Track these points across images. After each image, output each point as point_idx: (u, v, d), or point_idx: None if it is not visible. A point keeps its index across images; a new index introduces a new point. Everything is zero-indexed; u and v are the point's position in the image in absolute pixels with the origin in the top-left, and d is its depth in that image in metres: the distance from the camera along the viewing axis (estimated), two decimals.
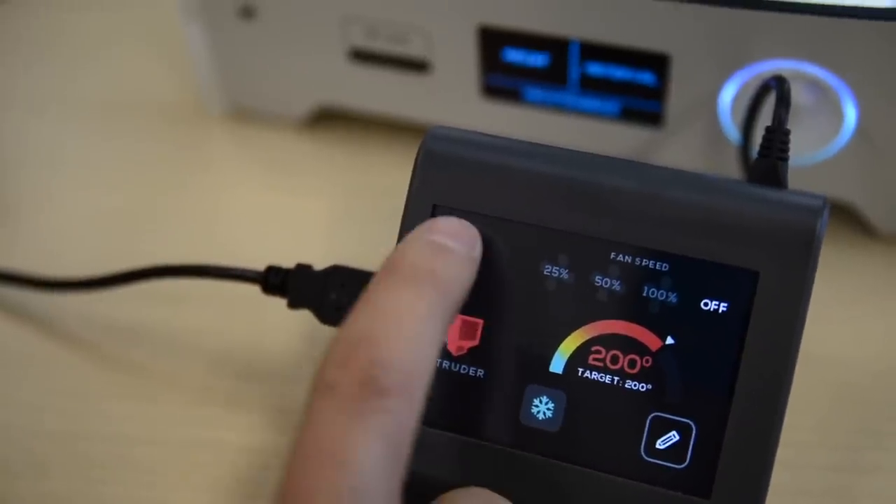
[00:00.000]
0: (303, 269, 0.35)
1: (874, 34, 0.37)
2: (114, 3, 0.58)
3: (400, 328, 0.26)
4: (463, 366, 0.31)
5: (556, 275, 0.31)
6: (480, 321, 0.31)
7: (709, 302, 0.30)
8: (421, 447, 0.28)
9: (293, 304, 0.35)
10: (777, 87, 0.33)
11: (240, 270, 0.36)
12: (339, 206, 0.46)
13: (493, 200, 0.31)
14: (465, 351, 0.31)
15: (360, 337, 0.26)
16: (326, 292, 0.34)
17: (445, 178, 0.32)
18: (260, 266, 0.35)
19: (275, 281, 0.35)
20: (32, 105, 0.53)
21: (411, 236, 0.29)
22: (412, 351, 0.26)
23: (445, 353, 0.31)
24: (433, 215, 0.32)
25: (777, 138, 0.32)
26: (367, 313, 0.27)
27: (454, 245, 0.29)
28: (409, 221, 0.32)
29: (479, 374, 0.31)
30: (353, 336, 0.26)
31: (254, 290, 0.36)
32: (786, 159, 0.32)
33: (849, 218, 0.43)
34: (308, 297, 0.34)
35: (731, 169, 0.42)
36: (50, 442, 0.39)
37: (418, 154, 0.32)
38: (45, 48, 0.56)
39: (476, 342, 0.31)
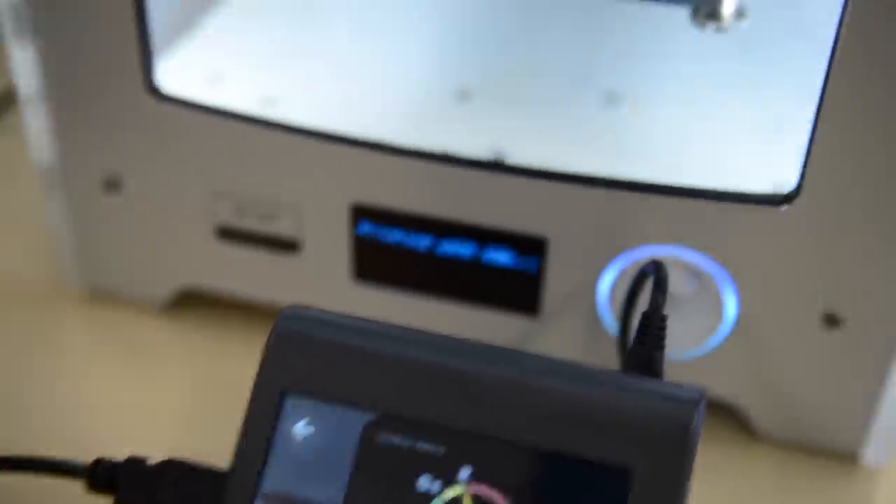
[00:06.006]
0: (134, 464, 0.31)
1: (754, 219, 0.36)
2: None
3: None
4: None
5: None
6: None
7: (581, 502, 0.27)
8: None
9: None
10: (654, 271, 0.33)
11: (64, 464, 0.32)
12: (193, 396, 0.44)
13: (349, 387, 0.29)
14: None
15: None
16: (158, 491, 0.30)
17: (297, 362, 0.30)
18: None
19: (103, 476, 0.31)
20: None
21: None
22: None
23: None
24: (281, 403, 0.29)
25: (654, 324, 0.32)
26: None
27: None
28: (255, 409, 0.30)
29: None
30: None
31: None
32: (662, 347, 0.31)
33: (735, 417, 0.42)
34: (138, 496, 0.31)
35: (610, 359, 0.40)
36: None
37: (269, 337, 0.30)
38: None
39: None
